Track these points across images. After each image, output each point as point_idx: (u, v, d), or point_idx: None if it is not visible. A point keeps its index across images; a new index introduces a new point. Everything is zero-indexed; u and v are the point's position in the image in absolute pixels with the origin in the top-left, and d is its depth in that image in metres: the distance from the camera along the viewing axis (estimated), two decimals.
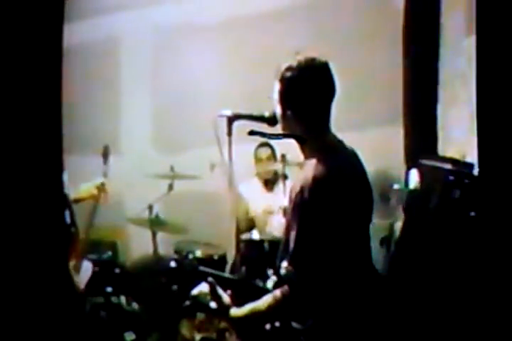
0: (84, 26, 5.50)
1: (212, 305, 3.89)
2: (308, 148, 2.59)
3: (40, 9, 2.34)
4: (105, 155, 4.19)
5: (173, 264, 2.63)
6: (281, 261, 2.60)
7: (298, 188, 2.47)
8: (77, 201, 3.90)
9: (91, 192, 3.94)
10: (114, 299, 3.83)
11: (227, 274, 2.73)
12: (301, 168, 2.60)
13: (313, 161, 2.50)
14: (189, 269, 2.64)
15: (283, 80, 2.56)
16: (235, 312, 2.55)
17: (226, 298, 2.58)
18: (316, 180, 2.43)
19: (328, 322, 2.49)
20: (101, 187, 3.94)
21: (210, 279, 2.59)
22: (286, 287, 2.45)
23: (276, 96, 2.59)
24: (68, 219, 3.57)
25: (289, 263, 2.46)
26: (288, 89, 2.56)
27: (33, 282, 2.29)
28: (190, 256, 4.68)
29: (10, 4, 2.31)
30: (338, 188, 2.47)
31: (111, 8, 5.89)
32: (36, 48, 2.33)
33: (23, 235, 2.28)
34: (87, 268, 3.72)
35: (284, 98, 2.57)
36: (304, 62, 2.56)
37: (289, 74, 2.55)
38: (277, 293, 2.47)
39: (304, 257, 2.43)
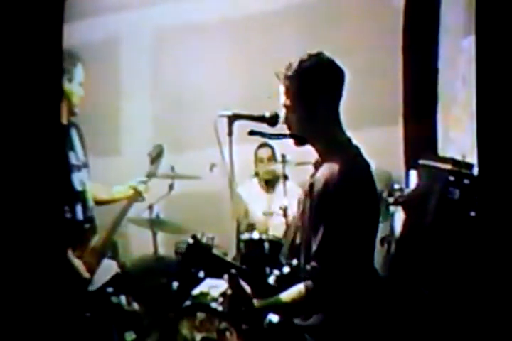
0: (84, 27, 5.49)
1: (218, 307, 3.89)
2: (326, 145, 2.57)
3: (40, 9, 2.34)
4: (158, 155, 4.06)
5: (190, 240, 2.64)
6: (290, 258, 2.63)
7: (323, 186, 2.45)
8: (108, 202, 3.83)
9: (126, 194, 3.82)
10: (114, 299, 3.80)
11: (238, 264, 2.72)
12: (317, 167, 2.57)
13: (335, 158, 2.48)
14: (205, 247, 2.65)
15: (300, 75, 2.52)
16: (257, 303, 2.52)
17: (247, 288, 2.55)
18: (344, 177, 2.42)
19: (333, 320, 2.50)
20: (136, 189, 3.81)
21: (232, 271, 2.55)
22: (310, 282, 2.44)
23: (287, 93, 2.55)
24: (81, 216, 3.50)
25: (315, 259, 2.45)
26: (308, 82, 2.52)
27: (31, 277, 2.30)
28: None
29: (9, 4, 2.31)
30: (362, 185, 2.49)
31: (110, 9, 5.90)
32: (35, 49, 2.32)
33: (24, 230, 2.29)
34: (107, 267, 3.63)
35: (303, 93, 2.53)
36: (318, 56, 2.55)
37: (307, 68, 2.51)
38: (302, 287, 2.46)
39: (331, 253, 2.43)
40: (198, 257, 2.64)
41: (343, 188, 2.42)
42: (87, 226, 3.56)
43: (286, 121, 2.61)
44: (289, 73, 2.54)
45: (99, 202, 3.72)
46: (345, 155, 2.49)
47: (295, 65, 2.54)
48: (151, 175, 3.97)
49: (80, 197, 3.54)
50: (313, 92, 2.52)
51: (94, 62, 5.85)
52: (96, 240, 3.57)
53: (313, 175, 2.58)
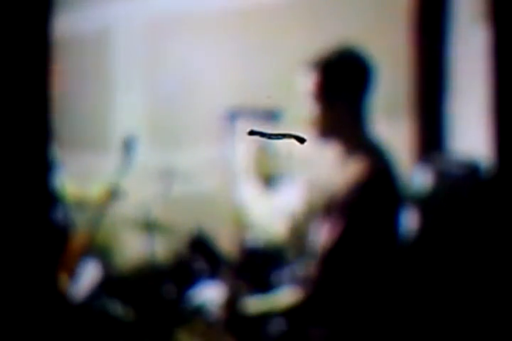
0: (75, 16, 5.47)
1: (218, 314, 3.86)
2: (351, 142, 2.53)
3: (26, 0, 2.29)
4: (126, 147, 3.85)
5: (194, 234, 2.67)
6: (298, 260, 2.59)
7: (342, 192, 2.38)
8: (81, 203, 3.76)
9: (99, 196, 3.67)
10: (106, 307, 3.79)
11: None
12: (340, 165, 2.52)
13: (361, 157, 2.45)
14: (209, 241, 2.65)
15: (322, 68, 2.52)
16: (253, 305, 2.51)
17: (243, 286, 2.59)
18: (371, 179, 2.40)
19: (341, 327, 2.46)
20: (110, 191, 3.66)
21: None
22: (309, 287, 2.41)
23: (311, 88, 2.56)
24: (59, 216, 3.48)
25: (320, 263, 2.40)
26: (330, 76, 2.52)
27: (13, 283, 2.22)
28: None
29: None
30: (390, 187, 2.44)
31: None
32: (22, 41, 2.27)
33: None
34: (92, 271, 3.60)
35: (332, 87, 2.54)
36: (344, 50, 2.60)
37: (335, 61, 2.55)
38: (299, 292, 2.42)
39: (341, 259, 2.36)
40: (202, 250, 2.65)
41: (364, 198, 2.41)
42: (64, 227, 3.49)
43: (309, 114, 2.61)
44: (312, 65, 2.55)
45: (72, 202, 3.64)
46: (369, 160, 2.46)
47: (319, 57, 2.56)
48: (122, 172, 3.81)
49: (58, 196, 3.48)
50: (334, 87, 2.53)
51: (85, 55, 5.88)
52: (76, 242, 3.50)
53: (328, 177, 2.52)
